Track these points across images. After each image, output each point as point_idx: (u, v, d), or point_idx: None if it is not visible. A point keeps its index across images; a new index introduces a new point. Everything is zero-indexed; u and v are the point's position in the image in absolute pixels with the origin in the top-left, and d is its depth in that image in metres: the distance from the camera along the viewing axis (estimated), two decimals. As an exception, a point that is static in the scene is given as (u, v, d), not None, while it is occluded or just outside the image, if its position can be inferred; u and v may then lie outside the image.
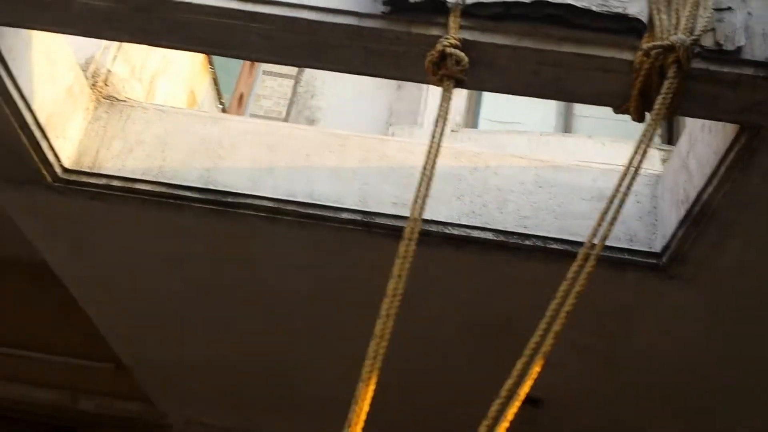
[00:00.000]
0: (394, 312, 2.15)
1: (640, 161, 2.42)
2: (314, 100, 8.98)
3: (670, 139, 7.64)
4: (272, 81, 12.03)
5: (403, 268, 2.22)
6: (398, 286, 2.19)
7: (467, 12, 2.55)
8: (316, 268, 4.08)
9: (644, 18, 2.47)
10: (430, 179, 2.44)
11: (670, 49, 2.37)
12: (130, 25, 2.64)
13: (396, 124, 8.44)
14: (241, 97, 6.79)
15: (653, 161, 6.74)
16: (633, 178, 2.47)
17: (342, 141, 4.00)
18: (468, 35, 2.55)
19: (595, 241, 2.42)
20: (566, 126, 7.95)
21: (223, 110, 6.12)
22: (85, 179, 3.66)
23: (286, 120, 8.96)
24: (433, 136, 2.57)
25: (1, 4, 2.60)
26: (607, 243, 2.38)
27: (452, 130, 7.82)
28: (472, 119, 8.20)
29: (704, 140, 3.04)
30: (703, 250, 3.31)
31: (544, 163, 3.98)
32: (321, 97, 8.78)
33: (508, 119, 8.08)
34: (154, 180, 3.70)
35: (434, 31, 2.56)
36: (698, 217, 3.15)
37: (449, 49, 2.50)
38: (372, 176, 3.92)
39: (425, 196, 2.41)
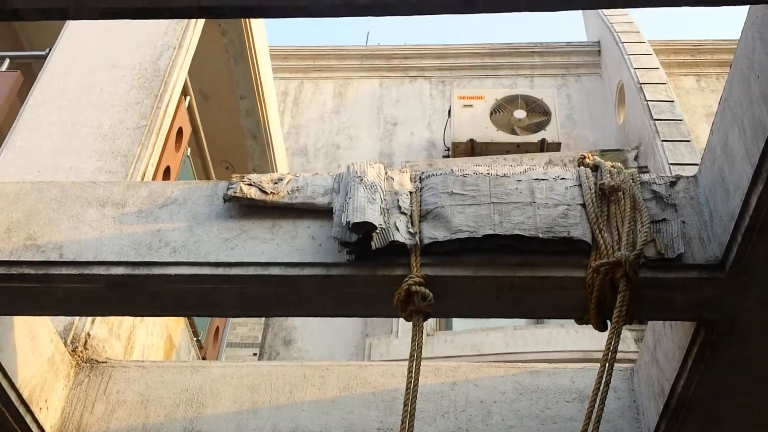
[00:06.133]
0: None
1: (611, 372, 2.54)
2: (289, 320, 9.09)
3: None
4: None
5: None
6: None
7: (426, 251, 2.73)
8: None
9: (588, 239, 2.67)
10: (412, 417, 2.50)
11: (617, 264, 2.56)
12: (110, 302, 2.77)
13: (372, 335, 8.52)
14: (216, 330, 6.86)
15: (627, 343, 6.86)
16: (608, 385, 2.60)
17: (322, 372, 4.06)
18: (429, 271, 2.72)
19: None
20: (538, 316, 8.12)
21: (200, 347, 6.14)
22: (69, 448, 3.64)
23: (262, 344, 8.98)
24: (410, 371, 2.68)
25: (-14, 299, 2.73)
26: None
27: (427, 334, 7.93)
28: (446, 321, 8.33)
29: (667, 335, 3.18)
30: (689, 440, 3.34)
31: (522, 369, 4.06)
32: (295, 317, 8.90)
33: (481, 317, 8.22)
34: (138, 439, 3.69)
35: (398, 271, 2.73)
36: (677, 410, 3.21)
37: (414, 287, 2.66)
38: (355, 404, 3.95)
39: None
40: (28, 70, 5.49)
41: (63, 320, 3.89)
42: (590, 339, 7.08)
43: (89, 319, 4.00)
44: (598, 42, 11.91)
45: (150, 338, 4.83)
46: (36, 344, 3.47)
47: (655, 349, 3.40)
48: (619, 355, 2.66)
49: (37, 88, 4.87)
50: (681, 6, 1.84)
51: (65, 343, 3.82)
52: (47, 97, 4.73)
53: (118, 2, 1.86)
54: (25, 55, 5.96)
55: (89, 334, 3.96)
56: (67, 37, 5.11)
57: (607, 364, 2.55)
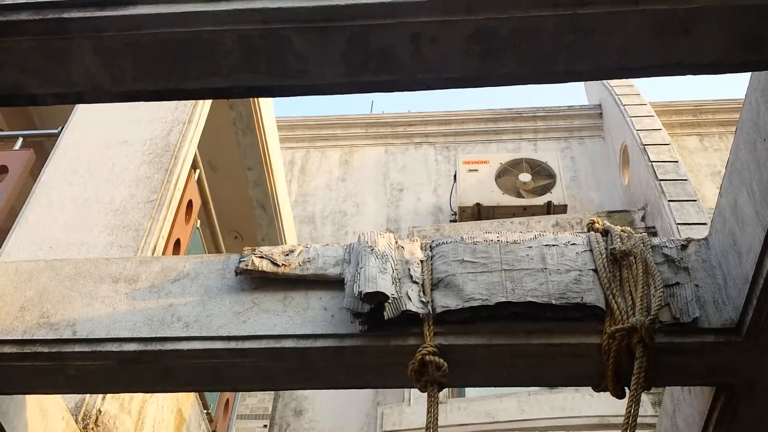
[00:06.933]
0: None
1: (631, 441, 2.50)
2: (299, 391, 8.98)
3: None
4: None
5: None
6: None
7: (439, 319, 2.72)
8: None
9: (602, 304, 2.66)
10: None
11: (633, 330, 2.54)
12: (122, 379, 2.76)
13: (384, 404, 8.41)
14: (227, 402, 6.79)
15: (645, 407, 6.75)
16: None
17: (335, 445, 4.01)
18: (443, 340, 2.70)
19: None
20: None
21: (210, 420, 6.07)
22: None
23: (272, 415, 8.86)
24: (426, 446, 2.64)
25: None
26: None
27: (440, 402, 7.82)
28: (459, 388, 8.22)
29: (687, 401, 3.13)
30: None
31: (538, 437, 4.00)
32: (306, 387, 8.78)
33: (494, 383, 8.12)
34: None
35: (411, 341, 2.71)
36: (700, 477, 3.14)
37: (428, 357, 2.64)
38: (370, 477, 3.89)
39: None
40: (41, 148, 5.58)
41: (74, 396, 3.86)
42: (606, 403, 6.97)
43: (100, 395, 3.96)
44: (600, 105, 12.05)
45: (160, 412, 4.78)
46: (47, 422, 3.44)
47: (675, 414, 3.34)
48: (637, 420, 2.62)
49: (49, 166, 4.94)
50: (685, 75, 1.88)
51: (76, 420, 3.78)
52: (59, 174, 4.80)
53: (132, 86, 1.91)
54: (38, 133, 6.07)
55: (100, 411, 3.92)
56: (79, 115, 5.21)
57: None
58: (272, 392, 9.18)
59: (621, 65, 1.86)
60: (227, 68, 1.82)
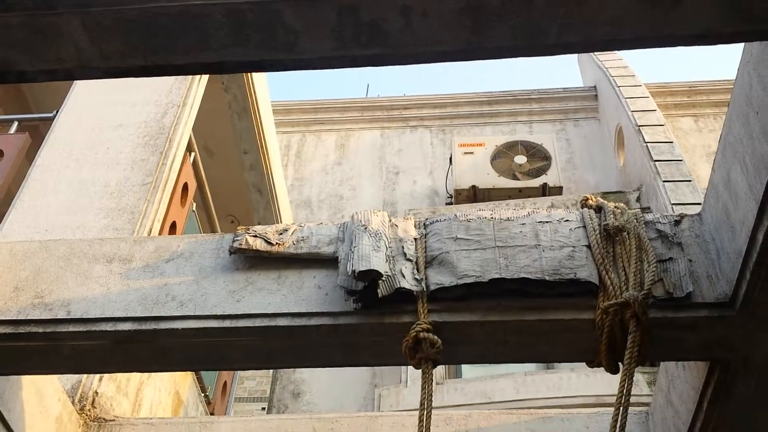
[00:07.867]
0: None
1: (625, 416, 2.51)
2: (297, 373, 9.01)
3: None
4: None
5: None
6: None
7: (433, 297, 2.72)
8: None
9: (595, 280, 2.66)
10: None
11: (626, 305, 2.55)
12: (117, 359, 2.76)
13: (381, 386, 8.44)
14: (224, 384, 6.81)
15: (640, 386, 6.78)
16: (623, 429, 2.56)
17: (332, 424, 4.02)
18: (437, 317, 2.70)
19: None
20: (548, 362, 8.02)
21: (208, 403, 6.09)
22: None
23: (270, 398, 8.88)
24: (421, 420, 2.65)
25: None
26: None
27: (437, 383, 7.85)
28: (455, 369, 8.25)
29: (681, 376, 3.14)
30: (708, 484, 3.27)
31: (534, 415, 4.01)
32: (304, 369, 8.82)
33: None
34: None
35: (406, 318, 2.72)
36: (694, 453, 3.15)
37: (422, 334, 2.64)
38: (367, 456, 3.90)
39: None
40: (36, 132, 5.56)
41: (70, 379, 3.87)
42: (602, 383, 7.00)
43: (97, 377, 3.97)
44: (595, 87, 12.03)
45: (158, 395, 4.79)
46: (44, 403, 3.44)
47: (669, 391, 3.36)
48: (632, 399, 2.63)
49: (44, 149, 4.93)
50: (677, 46, 1.87)
51: (73, 402, 3.79)
52: (55, 157, 4.79)
53: (121, 61, 1.89)
54: (33, 117, 6.06)
55: (97, 393, 3.93)
56: (73, 99, 5.20)
57: (621, 408, 2.51)
58: (270, 375, 9.22)
59: (613, 37, 1.86)
60: (217, 43, 1.81)
